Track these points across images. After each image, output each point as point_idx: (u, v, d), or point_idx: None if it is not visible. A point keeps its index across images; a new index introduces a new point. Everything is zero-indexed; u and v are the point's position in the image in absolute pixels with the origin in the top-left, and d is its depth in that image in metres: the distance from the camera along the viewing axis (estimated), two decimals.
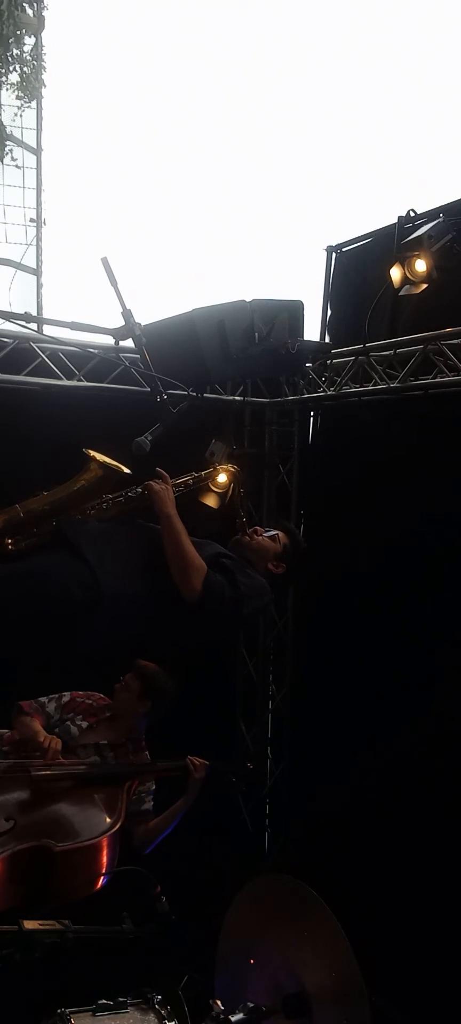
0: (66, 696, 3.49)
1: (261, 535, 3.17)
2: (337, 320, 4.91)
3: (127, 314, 2.53)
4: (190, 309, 3.20)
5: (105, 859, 2.95)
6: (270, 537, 3.18)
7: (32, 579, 2.55)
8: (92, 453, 2.73)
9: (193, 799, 3.41)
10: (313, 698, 5.01)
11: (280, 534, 3.21)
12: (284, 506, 5.21)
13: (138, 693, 3.46)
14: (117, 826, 3.02)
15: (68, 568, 2.57)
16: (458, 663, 3.86)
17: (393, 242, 4.02)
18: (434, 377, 3.87)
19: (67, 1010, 2.44)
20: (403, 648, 4.26)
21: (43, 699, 3.47)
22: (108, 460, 2.74)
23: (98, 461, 2.71)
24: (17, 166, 12.60)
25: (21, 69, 10.86)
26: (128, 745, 3.43)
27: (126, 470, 2.78)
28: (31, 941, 2.41)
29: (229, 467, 3.18)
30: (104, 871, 2.93)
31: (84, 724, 3.39)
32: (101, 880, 2.93)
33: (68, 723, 3.36)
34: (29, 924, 2.46)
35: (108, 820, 3.03)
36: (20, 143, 12.73)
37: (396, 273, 3.66)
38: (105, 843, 2.94)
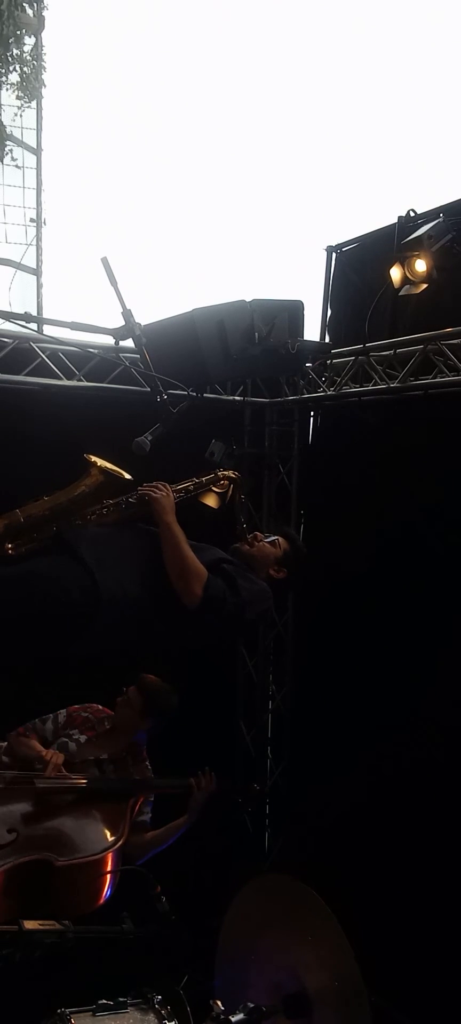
0: (63, 715, 3.46)
1: (261, 540, 3.16)
2: (337, 320, 4.91)
3: (127, 314, 2.52)
4: (190, 309, 3.20)
5: (107, 876, 2.92)
6: (270, 542, 3.16)
7: (32, 583, 2.54)
8: (93, 458, 2.70)
9: (193, 820, 3.39)
10: (313, 698, 5.01)
11: (280, 539, 3.20)
12: (284, 506, 5.20)
13: (140, 710, 3.42)
14: (120, 843, 3.00)
15: (68, 572, 2.57)
16: (459, 663, 3.86)
17: (393, 242, 4.01)
18: (434, 377, 3.87)
19: (67, 1010, 2.44)
20: (403, 647, 4.26)
21: (36, 720, 3.43)
22: (109, 466, 2.71)
23: (99, 467, 2.68)
24: (17, 166, 12.61)
25: (21, 69, 10.88)
26: (128, 759, 3.40)
27: (127, 476, 2.75)
28: (31, 941, 2.42)
29: (231, 473, 3.16)
30: (106, 888, 2.91)
31: (82, 739, 3.36)
32: (103, 897, 2.92)
33: (66, 739, 3.33)
34: (29, 924, 2.46)
35: (111, 836, 3.01)
36: (20, 143, 12.73)
37: (396, 273, 3.66)
38: (107, 859, 2.93)
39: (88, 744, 3.35)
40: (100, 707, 3.55)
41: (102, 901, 2.92)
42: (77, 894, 2.86)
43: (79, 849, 2.91)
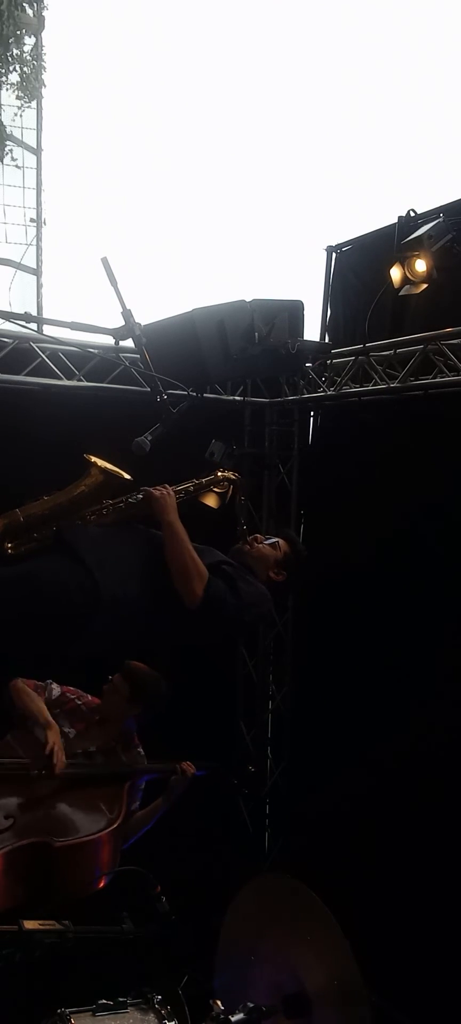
0: (56, 690, 3.46)
1: (262, 542, 3.15)
2: (337, 320, 4.91)
3: (127, 314, 2.52)
4: (190, 309, 3.20)
5: (106, 856, 2.95)
6: (271, 544, 3.15)
7: (31, 582, 2.54)
8: (93, 459, 2.70)
9: (172, 800, 3.42)
10: (313, 698, 5.01)
11: (281, 541, 3.19)
12: (284, 506, 5.20)
13: (127, 697, 3.43)
14: (117, 823, 3.03)
15: (67, 572, 2.56)
16: (458, 663, 3.86)
17: (393, 242, 4.01)
18: (434, 377, 3.87)
19: (67, 1010, 2.45)
20: (403, 647, 4.26)
21: (40, 684, 3.45)
22: (109, 466, 2.72)
23: (99, 467, 2.68)
24: (17, 166, 12.62)
25: (21, 69, 10.88)
26: (118, 748, 3.42)
27: (127, 476, 2.75)
28: (31, 941, 2.42)
29: (231, 474, 3.16)
30: (105, 868, 2.93)
31: (72, 732, 3.37)
32: (104, 878, 2.93)
33: None
34: (29, 924, 2.47)
35: (108, 817, 3.04)
36: (20, 143, 12.75)
37: (396, 273, 3.66)
38: (105, 839, 2.96)
39: (77, 738, 3.37)
40: (93, 697, 3.56)
41: (103, 883, 2.93)
42: (77, 875, 2.89)
43: (77, 830, 2.94)
